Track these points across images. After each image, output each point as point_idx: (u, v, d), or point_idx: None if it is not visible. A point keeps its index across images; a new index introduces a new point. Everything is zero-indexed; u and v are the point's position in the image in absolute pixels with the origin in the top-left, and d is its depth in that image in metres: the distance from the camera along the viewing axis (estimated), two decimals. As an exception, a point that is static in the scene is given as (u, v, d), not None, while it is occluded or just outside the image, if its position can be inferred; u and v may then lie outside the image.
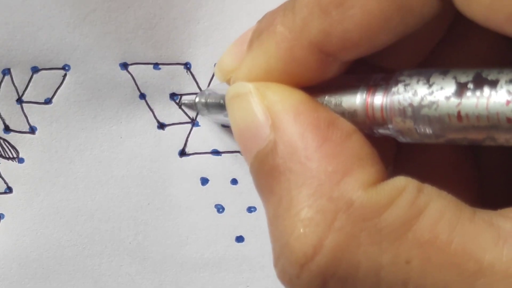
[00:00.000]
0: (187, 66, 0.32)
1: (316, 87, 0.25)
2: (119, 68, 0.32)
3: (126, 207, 0.33)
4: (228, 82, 0.28)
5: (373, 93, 0.24)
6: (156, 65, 0.32)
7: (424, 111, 0.22)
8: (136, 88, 0.32)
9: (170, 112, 0.33)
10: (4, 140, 0.33)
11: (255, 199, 0.33)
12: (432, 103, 0.22)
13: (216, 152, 0.33)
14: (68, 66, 0.32)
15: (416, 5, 0.22)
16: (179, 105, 0.33)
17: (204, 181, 0.33)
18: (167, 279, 0.33)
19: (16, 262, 0.33)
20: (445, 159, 0.28)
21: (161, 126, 0.33)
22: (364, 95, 0.24)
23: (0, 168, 0.33)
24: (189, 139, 0.33)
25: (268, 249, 0.33)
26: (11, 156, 0.33)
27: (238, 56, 0.27)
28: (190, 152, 0.33)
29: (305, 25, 0.24)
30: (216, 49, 0.32)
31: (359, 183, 0.22)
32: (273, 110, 0.24)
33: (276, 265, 0.24)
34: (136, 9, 0.31)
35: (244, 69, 0.26)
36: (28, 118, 0.32)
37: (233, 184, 0.33)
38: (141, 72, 0.32)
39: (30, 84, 0.32)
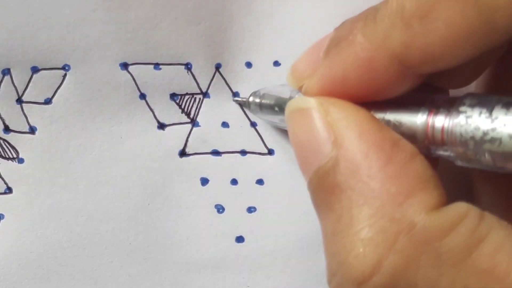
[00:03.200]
0: (187, 66, 0.32)
1: (375, 104, 0.25)
2: (119, 68, 0.32)
3: (126, 207, 0.33)
4: (300, 89, 0.27)
5: (435, 115, 0.24)
6: (156, 65, 0.32)
7: (487, 146, 0.22)
8: (136, 88, 0.32)
9: (170, 113, 0.33)
10: (4, 140, 0.32)
11: (255, 199, 0.33)
12: (495, 139, 0.22)
13: (216, 153, 0.33)
14: (68, 66, 0.32)
15: (501, 21, 0.22)
16: (180, 105, 0.33)
17: (204, 181, 0.33)
18: (167, 279, 0.33)
19: (16, 263, 0.33)
20: (502, 186, 0.28)
21: (161, 126, 0.33)
22: (425, 117, 0.24)
23: (0, 168, 0.33)
24: (189, 139, 0.33)
25: (268, 249, 0.33)
26: (11, 156, 0.33)
27: (312, 63, 0.27)
28: (190, 152, 0.33)
29: (386, 37, 0.24)
30: (217, 49, 0.32)
31: (422, 206, 0.23)
32: (336, 126, 0.24)
33: (330, 281, 0.24)
34: (136, 9, 0.31)
35: (319, 76, 0.26)
36: (28, 118, 0.32)
37: (233, 185, 0.33)
38: (141, 72, 0.32)
39: (30, 84, 0.32)
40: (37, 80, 0.32)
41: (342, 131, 0.24)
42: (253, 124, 0.33)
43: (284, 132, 0.33)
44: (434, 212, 0.22)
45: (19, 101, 0.32)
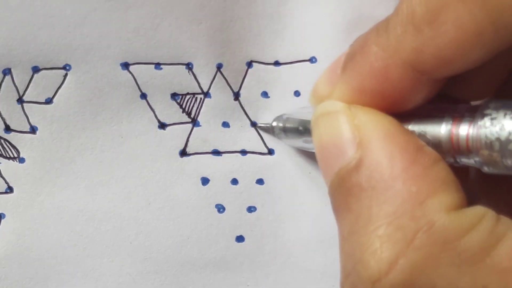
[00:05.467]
0: (189, 66, 0.32)
1: (400, 116, 0.25)
2: (120, 68, 0.32)
3: (127, 207, 0.33)
4: None
5: (458, 124, 0.24)
6: (157, 65, 0.32)
7: None
8: (137, 88, 0.32)
9: (171, 112, 0.33)
10: (5, 140, 0.32)
11: (255, 199, 0.33)
12: None
13: (216, 152, 0.33)
14: (69, 65, 0.32)
15: (510, 20, 0.22)
16: (180, 105, 0.33)
17: (205, 181, 0.33)
18: (168, 279, 0.33)
19: (17, 262, 0.33)
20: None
21: (162, 126, 0.33)
22: (449, 126, 0.24)
23: (1, 168, 0.33)
24: (189, 139, 0.33)
25: (268, 248, 0.33)
26: (11, 156, 0.33)
27: (332, 81, 0.27)
28: (191, 152, 0.33)
29: (399, 44, 0.24)
30: (218, 49, 0.32)
31: (442, 205, 0.23)
32: (362, 129, 0.24)
33: (343, 283, 0.24)
34: (138, 9, 0.31)
35: (338, 92, 0.26)
36: (29, 118, 0.32)
37: (233, 184, 0.33)
38: (142, 72, 0.32)
39: (31, 84, 0.32)
40: (38, 79, 0.32)
41: (368, 133, 0.24)
42: (254, 124, 0.33)
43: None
44: (453, 212, 0.23)
45: (20, 100, 0.32)
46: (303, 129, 0.30)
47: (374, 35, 0.25)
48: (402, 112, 0.25)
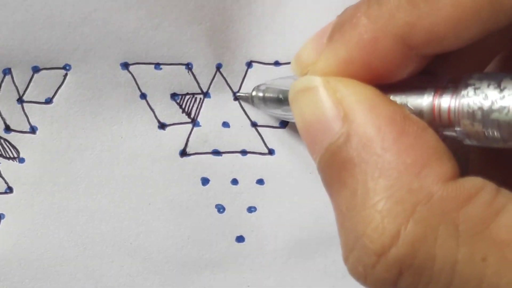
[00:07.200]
0: (188, 66, 0.32)
1: (381, 87, 0.25)
2: (120, 68, 0.32)
3: (127, 207, 0.33)
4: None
5: (441, 95, 0.24)
6: (157, 65, 0.32)
7: (495, 115, 0.23)
8: (137, 88, 0.32)
9: (171, 112, 0.33)
10: (5, 140, 0.32)
11: (256, 199, 0.33)
12: (503, 108, 0.22)
13: (216, 152, 0.33)
14: (69, 65, 0.32)
15: (508, 0, 0.22)
16: (180, 105, 0.33)
17: (205, 181, 0.33)
18: (168, 279, 0.33)
19: (16, 262, 0.33)
20: (500, 165, 0.28)
21: (162, 126, 0.33)
22: (431, 97, 0.24)
23: (1, 168, 0.33)
24: (189, 139, 0.33)
25: (268, 248, 0.33)
26: (11, 156, 0.33)
27: (316, 49, 0.26)
28: (191, 152, 0.33)
29: (391, 17, 0.24)
30: (218, 49, 0.32)
31: (438, 176, 0.23)
32: (346, 102, 0.24)
33: (347, 257, 0.24)
34: (137, 9, 0.31)
35: (323, 61, 0.26)
36: (29, 118, 0.32)
37: (233, 184, 0.33)
38: (142, 72, 0.32)
39: (31, 83, 0.32)
40: (38, 79, 0.32)
41: (352, 106, 0.24)
42: (254, 124, 0.33)
43: (285, 131, 0.33)
44: (450, 182, 0.22)
45: (20, 100, 0.32)
46: (283, 98, 0.30)
47: (365, 6, 0.24)
48: (384, 83, 0.25)
